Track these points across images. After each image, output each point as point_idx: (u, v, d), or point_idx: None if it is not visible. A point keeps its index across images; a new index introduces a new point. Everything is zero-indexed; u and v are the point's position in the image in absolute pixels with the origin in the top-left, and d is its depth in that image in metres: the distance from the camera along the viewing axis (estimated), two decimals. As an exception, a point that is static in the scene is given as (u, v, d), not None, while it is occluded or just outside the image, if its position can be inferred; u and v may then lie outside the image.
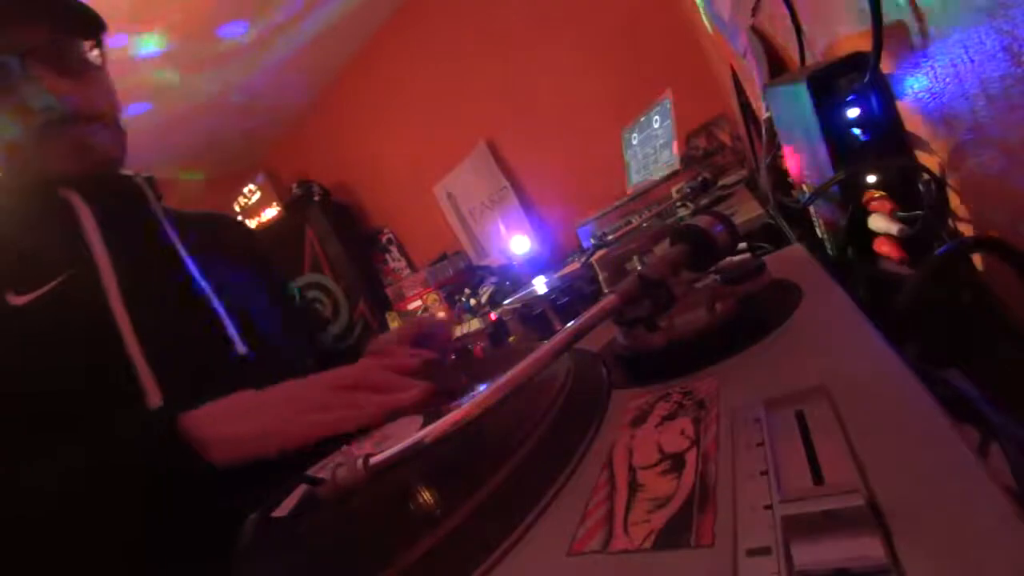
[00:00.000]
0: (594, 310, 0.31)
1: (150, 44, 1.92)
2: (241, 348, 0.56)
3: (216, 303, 0.57)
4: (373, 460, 0.26)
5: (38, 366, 0.46)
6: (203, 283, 0.57)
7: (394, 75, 2.63)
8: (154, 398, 0.47)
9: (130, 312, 0.49)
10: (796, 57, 0.59)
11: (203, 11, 1.92)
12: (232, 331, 0.57)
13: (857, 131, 0.41)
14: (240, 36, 2.12)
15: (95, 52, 0.54)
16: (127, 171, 0.61)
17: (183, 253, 0.59)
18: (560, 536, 0.21)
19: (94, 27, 0.53)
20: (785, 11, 0.56)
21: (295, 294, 0.78)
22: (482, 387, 0.27)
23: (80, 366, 0.47)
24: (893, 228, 0.38)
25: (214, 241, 0.66)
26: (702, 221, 0.36)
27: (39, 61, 0.48)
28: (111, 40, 0.56)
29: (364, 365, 0.46)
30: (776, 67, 0.72)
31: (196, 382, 0.48)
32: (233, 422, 0.39)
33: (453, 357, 0.76)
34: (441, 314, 2.41)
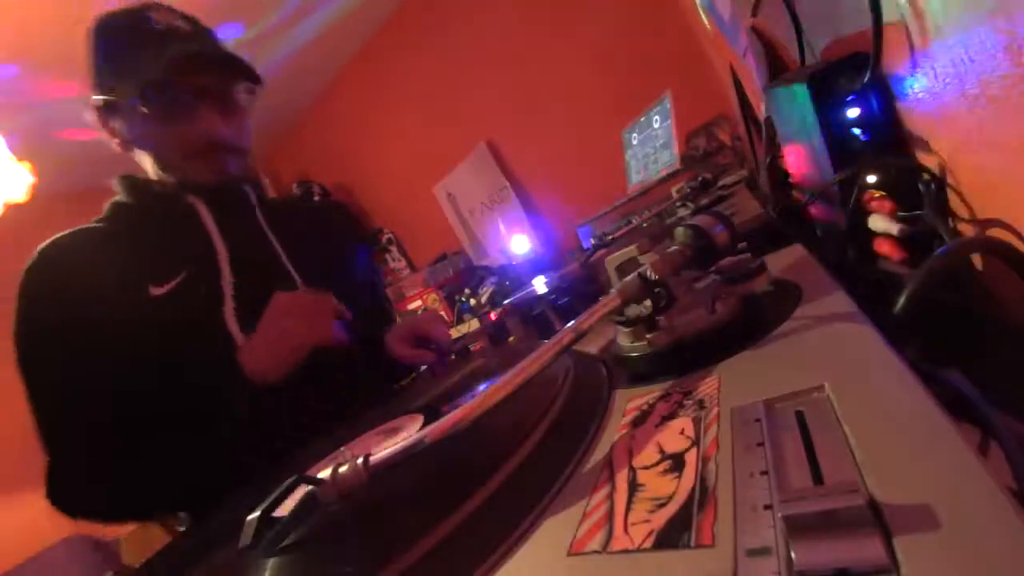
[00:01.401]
0: (594, 310, 0.31)
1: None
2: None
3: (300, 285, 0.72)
4: (373, 460, 0.26)
5: (167, 347, 0.59)
6: (294, 274, 0.72)
7: (394, 75, 2.63)
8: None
9: (235, 299, 0.63)
10: (796, 57, 0.59)
11: (201, 12, 1.91)
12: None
13: (857, 131, 0.41)
14: (238, 36, 2.12)
15: (247, 98, 0.69)
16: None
17: (278, 248, 0.73)
18: (560, 536, 0.21)
19: (251, 79, 0.67)
20: (785, 11, 0.56)
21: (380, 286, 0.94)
22: (482, 387, 0.27)
23: (195, 346, 0.60)
24: (893, 228, 0.38)
25: (312, 233, 0.80)
26: (702, 221, 0.36)
27: (209, 99, 0.63)
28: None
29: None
30: (776, 67, 0.72)
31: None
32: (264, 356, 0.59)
33: (453, 357, 0.78)
34: (441, 314, 2.41)
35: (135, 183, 0.68)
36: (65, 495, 0.58)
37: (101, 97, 0.62)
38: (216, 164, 0.66)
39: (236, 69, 0.65)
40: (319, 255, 0.77)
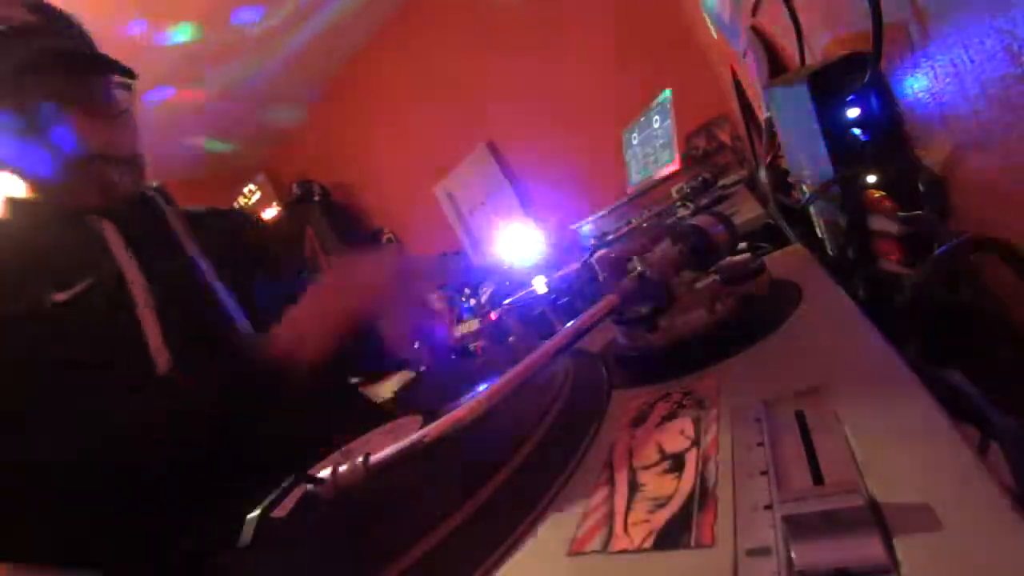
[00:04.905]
0: (594, 310, 0.31)
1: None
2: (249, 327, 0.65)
3: (227, 300, 0.63)
4: (373, 460, 0.26)
5: (73, 354, 0.51)
6: (215, 282, 0.63)
7: (394, 75, 2.63)
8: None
9: (153, 306, 0.56)
10: (796, 57, 0.59)
11: (201, 14, 1.92)
12: (241, 324, 0.63)
13: (857, 131, 0.41)
14: (237, 37, 2.12)
15: (124, 96, 0.58)
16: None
17: (195, 255, 0.64)
18: (560, 536, 0.21)
19: (121, 72, 0.57)
20: (785, 11, 0.56)
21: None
22: (482, 387, 0.27)
23: (106, 351, 0.52)
24: (893, 228, 0.38)
25: (227, 238, 0.71)
26: (702, 221, 0.36)
27: (72, 104, 0.53)
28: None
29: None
30: (776, 67, 0.72)
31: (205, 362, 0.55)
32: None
33: (453, 357, 0.77)
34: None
35: (13, 203, 0.56)
36: None
37: None
38: (100, 180, 0.55)
39: (98, 64, 0.55)
40: (242, 263, 0.69)
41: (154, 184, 0.67)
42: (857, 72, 0.39)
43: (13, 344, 0.49)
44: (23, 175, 0.55)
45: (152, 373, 0.53)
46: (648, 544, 0.18)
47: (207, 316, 0.61)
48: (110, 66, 0.56)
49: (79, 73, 0.54)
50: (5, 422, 0.47)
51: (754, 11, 0.71)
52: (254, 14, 2.07)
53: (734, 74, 1.10)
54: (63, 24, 0.57)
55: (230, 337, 0.61)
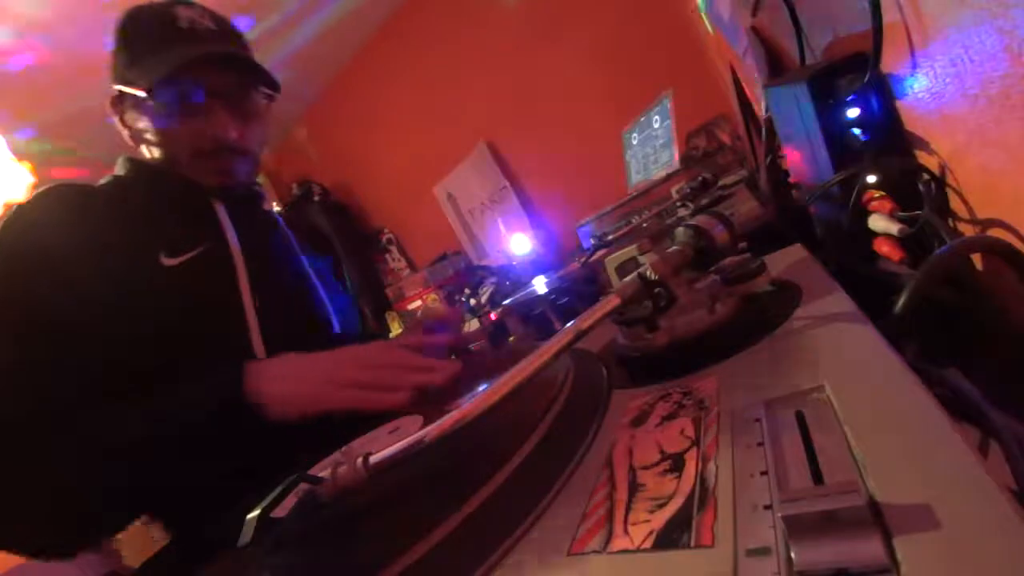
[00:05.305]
0: (594, 310, 0.31)
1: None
2: (338, 328, 0.74)
3: (320, 289, 0.72)
4: (373, 459, 0.26)
5: (179, 315, 0.56)
6: (310, 271, 0.72)
7: (394, 75, 2.63)
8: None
9: (252, 287, 0.62)
10: (796, 57, 0.59)
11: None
12: (332, 313, 0.72)
13: (857, 131, 0.41)
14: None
15: (264, 104, 0.68)
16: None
17: (295, 244, 0.73)
18: (560, 536, 0.21)
19: (269, 85, 0.66)
20: (785, 11, 0.56)
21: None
22: (482, 387, 0.27)
23: (208, 324, 0.58)
24: (893, 228, 0.38)
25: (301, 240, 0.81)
26: (702, 221, 0.36)
27: (223, 100, 0.61)
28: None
29: (397, 343, 0.57)
30: (776, 67, 0.72)
31: (298, 351, 0.56)
32: (285, 381, 0.48)
33: (454, 357, 0.77)
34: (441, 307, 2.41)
35: (141, 165, 0.65)
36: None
37: (117, 87, 0.61)
38: (222, 166, 0.64)
39: (254, 73, 0.65)
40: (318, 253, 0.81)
41: (259, 180, 0.75)
42: (857, 72, 0.39)
43: (121, 301, 0.53)
44: (166, 151, 0.62)
45: (248, 347, 0.58)
46: (648, 544, 0.18)
47: (298, 293, 0.70)
48: (261, 76, 0.65)
49: (235, 76, 0.63)
50: (114, 374, 0.52)
51: (754, 11, 0.71)
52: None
53: (734, 74, 1.10)
54: (235, 37, 0.67)
55: (320, 324, 0.71)
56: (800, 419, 0.21)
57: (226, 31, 0.66)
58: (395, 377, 0.46)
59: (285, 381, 0.48)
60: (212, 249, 0.61)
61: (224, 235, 0.64)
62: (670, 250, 0.35)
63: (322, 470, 0.27)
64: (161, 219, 0.61)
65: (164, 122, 0.61)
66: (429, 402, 0.43)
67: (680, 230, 0.36)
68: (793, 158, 0.57)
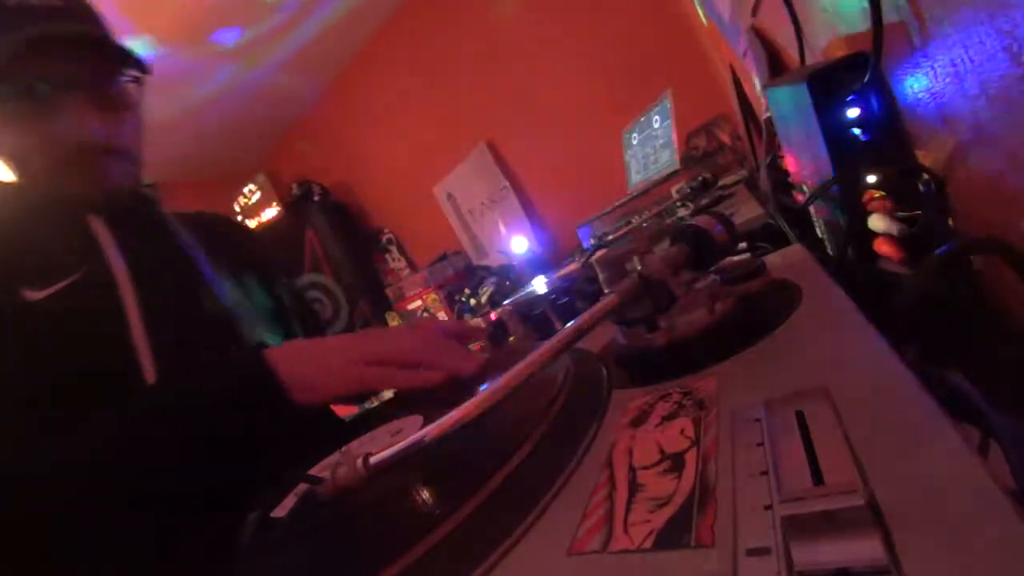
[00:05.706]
0: (594, 310, 0.31)
1: (141, 49, 1.93)
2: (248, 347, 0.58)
3: (226, 301, 0.59)
4: (373, 459, 0.26)
5: (51, 358, 0.47)
6: (216, 282, 0.59)
7: (394, 75, 2.63)
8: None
9: (144, 316, 0.51)
10: (796, 57, 0.59)
11: (201, 14, 1.92)
12: (241, 329, 0.58)
13: (857, 131, 0.41)
14: (237, 39, 2.12)
15: (135, 91, 0.55)
16: None
17: (194, 253, 0.60)
18: (560, 536, 0.21)
19: (135, 66, 0.54)
20: (785, 11, 0.56)
21: (302, 295, 0.79)
22: (482, 387, 0.27)
23: (88, 359, 0.48)
24: (893, 228, 0.38)
25: (218, 241, 0.66)
26: (702, 221, 0.36)
27: (78, 90, 0.50)
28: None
29: (430, 328, 0.48)
30: (776, 67, 0.72)
31: None
32: (304, 364, 0.42)
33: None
34: (441, 314, 2.41)
35: None
36: None
37: None
38: (92, 172, 0.52)
39: (114, 54, 0.52)
40: (231, 258, 0.65)
41: (147, 183, 0.63)
42: (857, 72, 0.39)
43: None
44: (19, 162, 0.52)
45: (139, 384, 0.48)
46: (648, 544, 0.18)
47: (206, 323, 0.56)
48: (123, 56, 0.53)
49: (90, 61, 0.51)
50: None
51: (754, 11, 0.71)
52: (235, 32, 2.05)
53: (734, 74, 1.10)
54: (85, 12, 0.54)
55: (230, 346, 0.56)
56: (800, 419, 0.21)
57: (72, 6, 0.53)
58: (434, 356, 0.42)
59: (309, 364, 0.43)
60: (89, 275, 0.51)
61: (104, 256, 0.52)
62: (670, 250, 0.35)
63: (322, 470, 0.27)
64: (21, 246, 0.50)
65: (8, 128, 0.50)
66: (456, 391, 0.41)
67: (680, 230, 0.36)
68: (793, 158, 0.57)
